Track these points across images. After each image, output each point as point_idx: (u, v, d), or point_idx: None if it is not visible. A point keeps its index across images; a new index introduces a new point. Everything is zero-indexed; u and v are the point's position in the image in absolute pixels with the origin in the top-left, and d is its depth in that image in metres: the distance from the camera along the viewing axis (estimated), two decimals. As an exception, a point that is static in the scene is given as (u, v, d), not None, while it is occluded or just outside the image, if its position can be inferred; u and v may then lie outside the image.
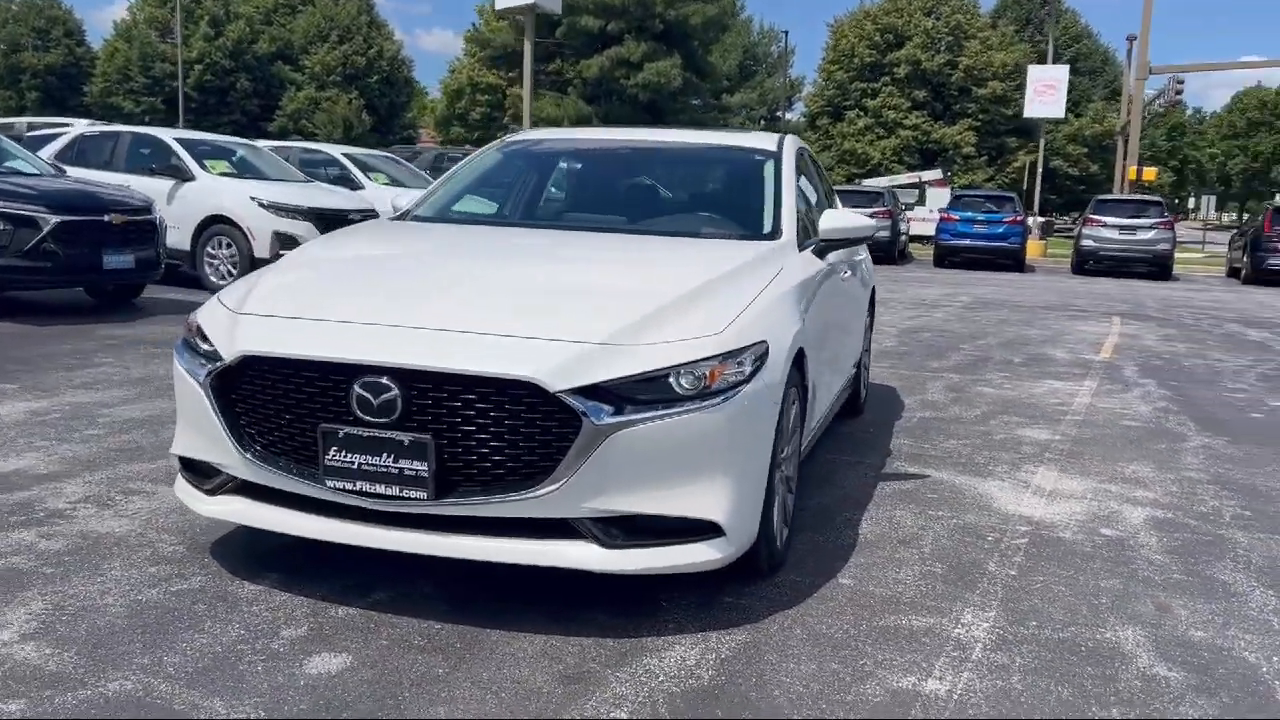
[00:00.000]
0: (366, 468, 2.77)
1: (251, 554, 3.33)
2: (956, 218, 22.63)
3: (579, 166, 4.84)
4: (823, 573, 3.39)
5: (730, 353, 2.87)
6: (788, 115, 61.82)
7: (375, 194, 13.07)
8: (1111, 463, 5.11)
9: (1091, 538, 3.88)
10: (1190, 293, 18.79)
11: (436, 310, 2.93)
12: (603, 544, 2.77)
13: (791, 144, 4.62)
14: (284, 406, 2.88)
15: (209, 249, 11.23)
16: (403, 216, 4.32)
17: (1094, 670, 2.74)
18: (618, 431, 2.68)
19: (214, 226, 11.18)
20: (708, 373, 2.80)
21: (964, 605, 3.16)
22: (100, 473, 4.16)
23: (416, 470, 2.73)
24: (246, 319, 3.03)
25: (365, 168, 14.04)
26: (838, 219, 4.14)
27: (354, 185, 13.46)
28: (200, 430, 3.07)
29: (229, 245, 11.07)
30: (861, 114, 54.88)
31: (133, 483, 4.05)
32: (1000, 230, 22.16)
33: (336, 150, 14.65)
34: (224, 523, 3.55)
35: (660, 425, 2.72)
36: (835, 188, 8.15)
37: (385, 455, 2.75)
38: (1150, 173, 32.03)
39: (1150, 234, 21.79)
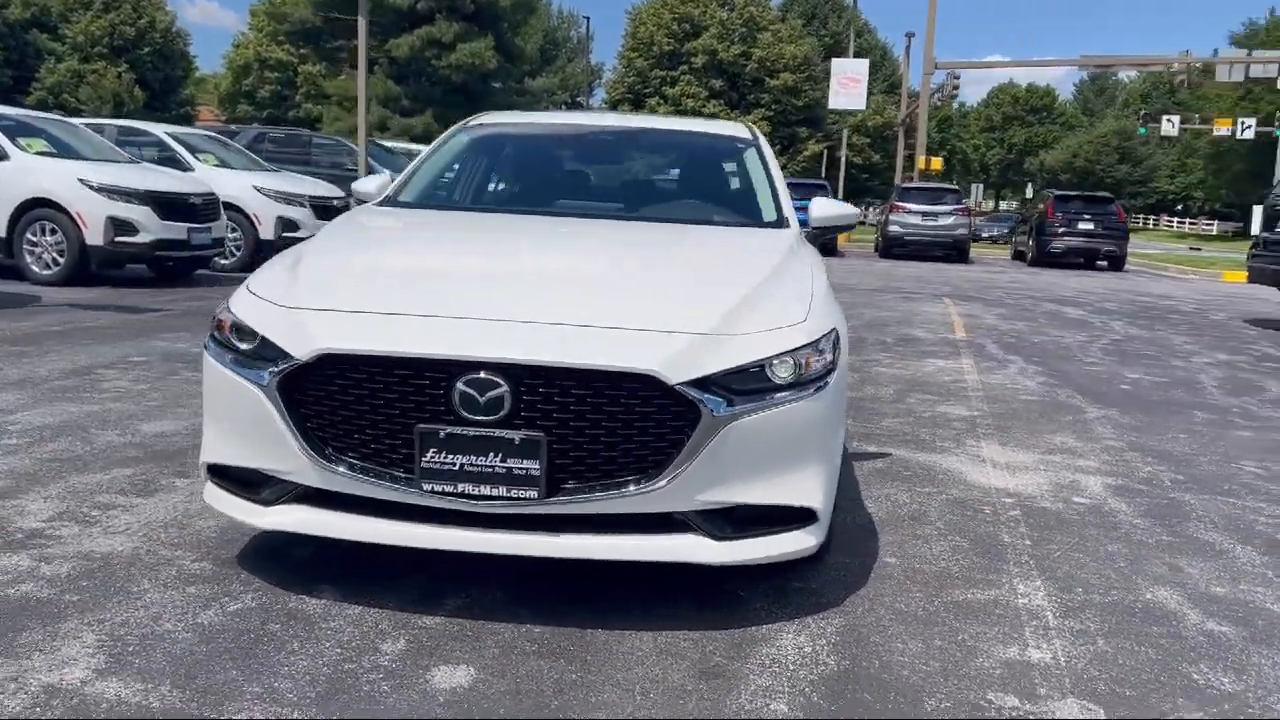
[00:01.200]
0: (470, 469, 2.64)
1: (287, 566, 3.11)
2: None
3: (567, 152, 4.72)
4: (864, 553, 3.48)
5: (816, 341, 2.90)
6: (590, 101, 62.09)
7: (207, 176, 12.31)
8: (1037, 435, 5.48)
9: (1071, 506, 4.16)
10: (991, 274, 20.25)
11: (529, 303, 2.81)
12: (713, 537, 2.75)
13: (760, 134, 4.70)
14: (371, 407, 2.69)
15: (29, 236, 10.27)
16: (390, 203, 4.10)
17: (1160, 630, 2.96)
18: (732, 423, 2.66)
19: (34, 211, 10.27)
20: (803, 361, 2.82)
21: (1009, 577, 3.33)
22: (53, 486, 3.76)
23: (527, 469, 2.62)
24: (315, 314, 2.81)
25: (191, 148, 13.13)
26: (828, 208, 4.24)
27: (182, 166, 12.60)
28: (251, 436, 2.83)
29: (54, 232, 10.17)
30: (662, 102, 55.84)
31: (99, 495, 3.68)
32: (949, 222, 23.32)
33: (160, 129, 13.63)
34: (236, 534, 3.32)
35: (768, 415, 2.72)
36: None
37: (493, 455, 2.62)
38: (937, 162, 34.17)
39: (950, 220, 23.35)
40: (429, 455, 2.64)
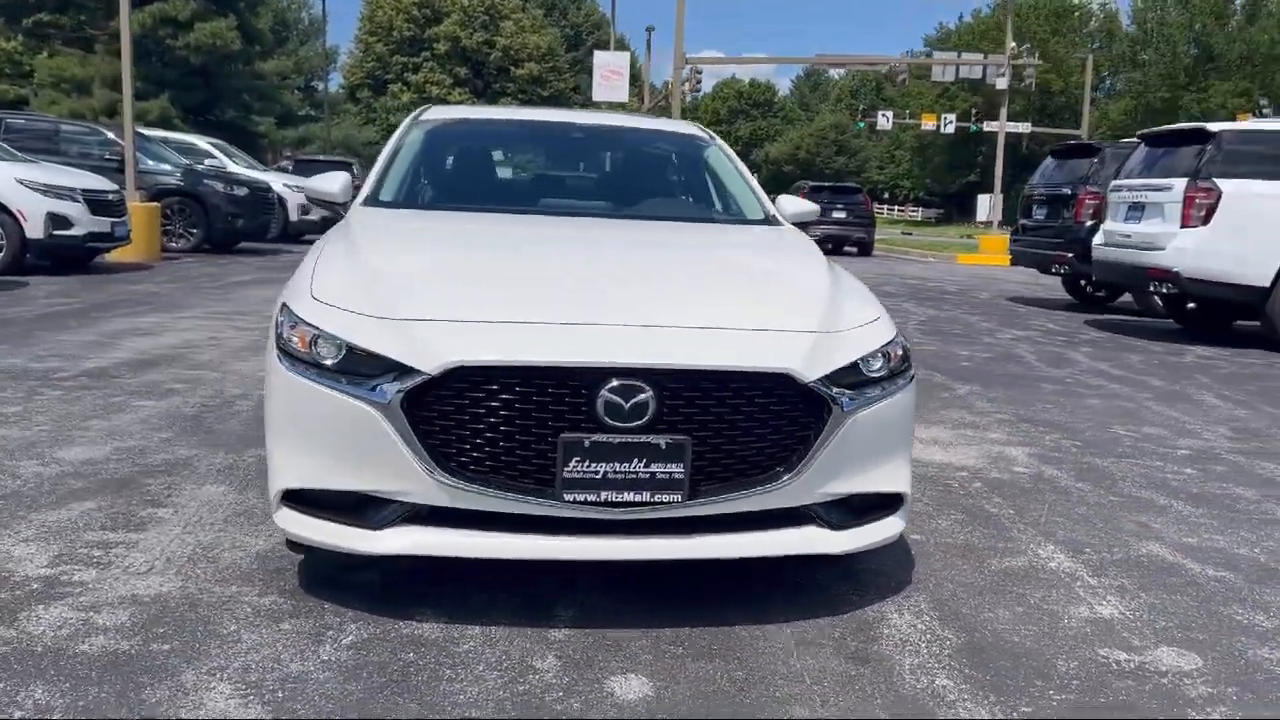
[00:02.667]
0: (613, 476, 2.61)
1: (366, 592, 2.93)
2: None
3: (540, 150, 4.62)
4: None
5: (896, 335, 3.07)
6: (327, 86, 59.43)
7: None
8: (934, 411, 5.92)
9: (1018, 476, 4.57)
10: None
11: (638, 308, 2.80)
12: (832, 527, 2.86)
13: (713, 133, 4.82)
14: (505, 419, 2.59)
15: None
16: (376, 204, 3.88)
17: (1178, 580, 3.34)
18: (853, 416, 2.79)
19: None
20: (892, 353, 2.98)
21: (1024, 542, 3.64)
22: (21, 528, 3.33)
23: (671, 473, 2.63)
24: (434, 325, 2.66)
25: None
26: (796, 204, 4.43)
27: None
28: (355, 456, 2.65)
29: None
30: (405, 88, 54.52)
31: (85, 534, 3.30)
32: None
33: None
34: (276, 563, 3.10)
35: (877, 407, 2.86)
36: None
37: (637, 461, 2.61)
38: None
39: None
40: (572, 465, 2.59)
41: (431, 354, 2.59)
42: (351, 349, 2.68)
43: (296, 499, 2.79)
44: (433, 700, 2.35)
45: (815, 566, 3.24)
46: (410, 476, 2.62)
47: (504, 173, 4.50)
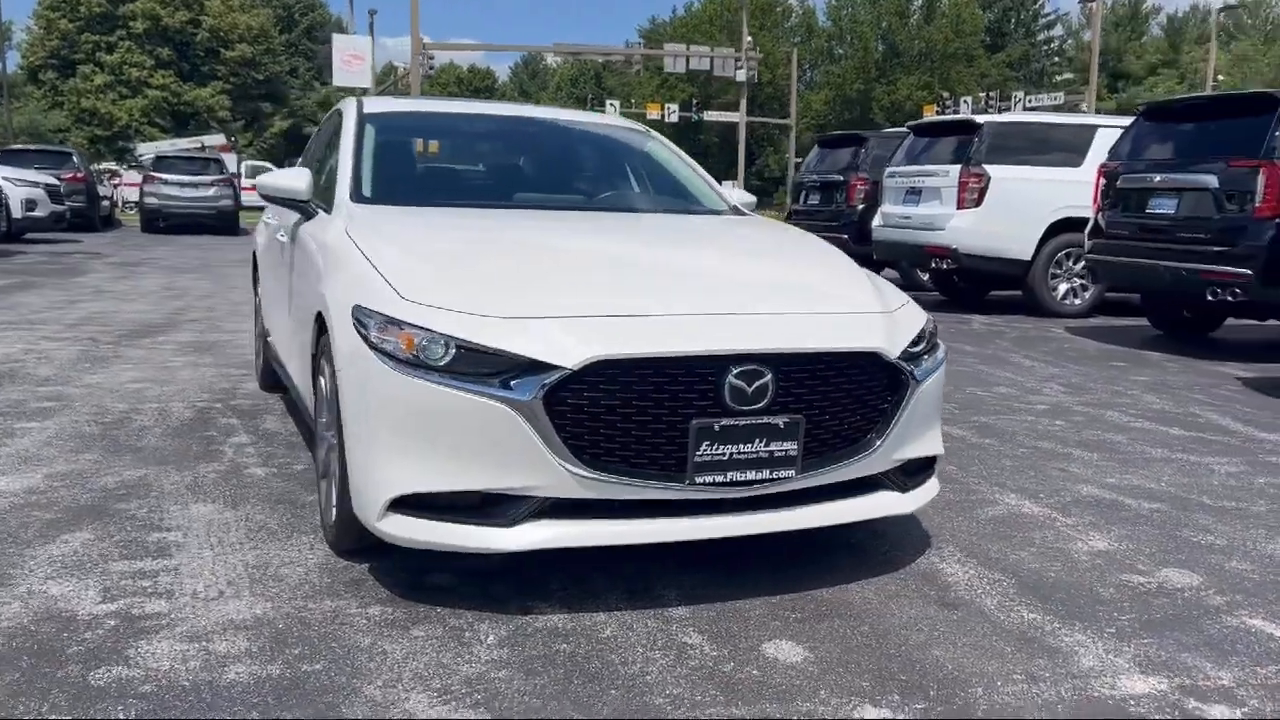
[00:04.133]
0: (738, 457, 2.77)
1: (464, 591, 2.93)
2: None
3: (499, 144, 4.55)
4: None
5: (928, 316, 3.40)
6: (3, 66, 53.37)
7: None
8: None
9: (932, 437, 5.06)
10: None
11: (738, 296, 2.98)
12: (900, 490, 3.15)
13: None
14: (639, 409, 2.68)
15: None
16: (363, 200, 3.74)
17: (1126, 514, 3.88)
18: (920, 387, 3.09)
19: None
20: (929, 331, 3.30)
21: (988, 493, 4.08)
22: (33, 566, 3.03)
23: (786, 450, 2.82)
24: (564, 321, 2.71)
25: None
26: (740, 195, 4.67)
27: None
28: (481, 454, 2.66)
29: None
30: (98, 70, 49.96)
31: (110, 566, 3.06)
32: (212, 193, 22.53)
33: None
34: (342, 573, 3.04)
35: (933, 378, 3.18)
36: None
37: (758, 441, 2.78)
38: (434, 145, 34.69)
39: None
40: (702, 449, 2.72)
41: (569, 350, 2.64)
42: (468, 349, 2.67)
43: (407, 504, 2.75)
44: (627, 683, 2.42)
45: (850, 531, 3.52)
46: (545, 471, 2.66)
47: (477, 167, 4.44)
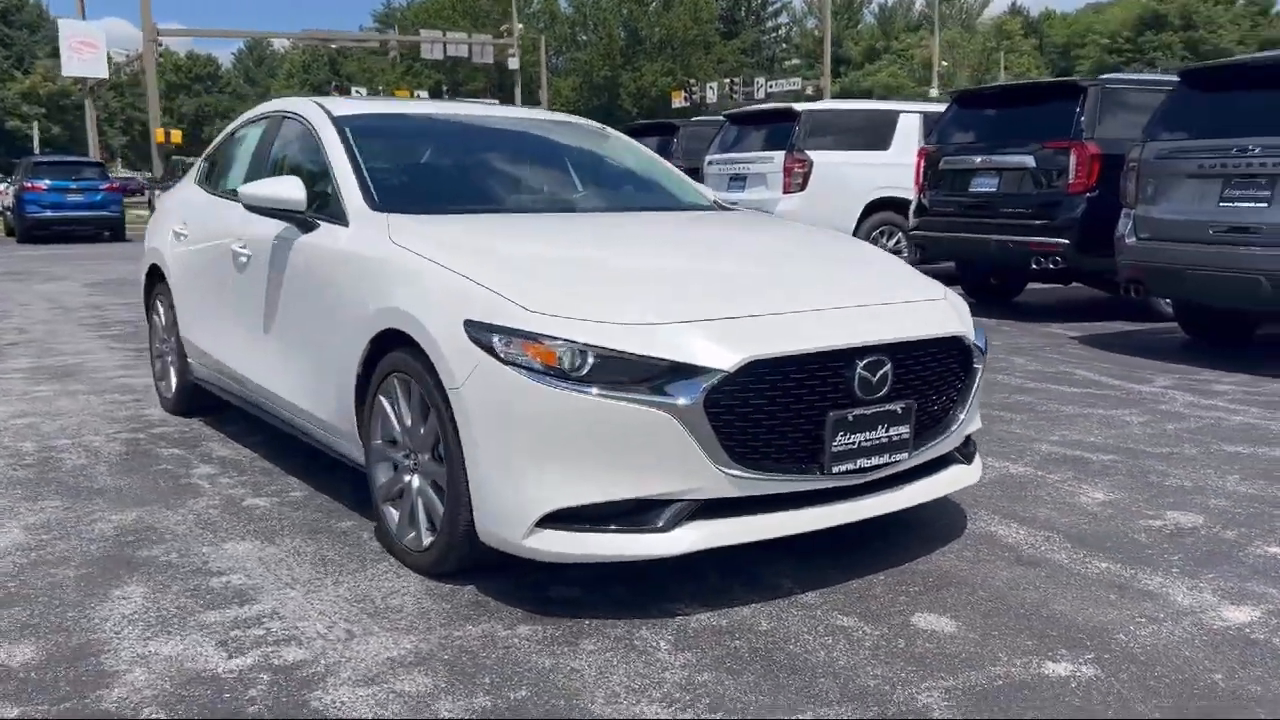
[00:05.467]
0: (866, 444, 2.91)
1: (584, 603, 2.91)
2: (44, 186, 20.35)
3: (489, 147, 4.36)
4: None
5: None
6: None
7: None
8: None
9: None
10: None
11: (835, 293, 3.10)
12: (966, 462, 3.39)
13: None
14: (783, 405, 2.77)
15: None
16: (383, 209, 3.53)
17: (1095, 467, 4.32)
18: (983, 367, 3.33)
19: None
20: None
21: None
22: (117, 626, 2.74)
23: (901, 434, 2.98)
24: (700, 325, 2.76)
25: None
26: (709, 189, 4.78)
27: None
28: (638, 463, 2.67)
29: None
30: None
31: (201, 617, 2.81)
32: (99, 199, 20.73)
33: None
34: (458, 597, 2.98)
35: (984, 359, 3.43)
36: None
37: (881, 427, 2.93)
38: (176, 134, 32.35)
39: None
40: (837, 439, 2.85)
41: (721, 353, 2.68)
42: (610, 357, 2.66)
43: (557, 519, 2.71)
44: (828, 670, 2.52)
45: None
46: (700, 473, 2.70)
47: (479, 171, 4.26)
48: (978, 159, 9.13)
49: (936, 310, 3.22)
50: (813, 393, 2.81)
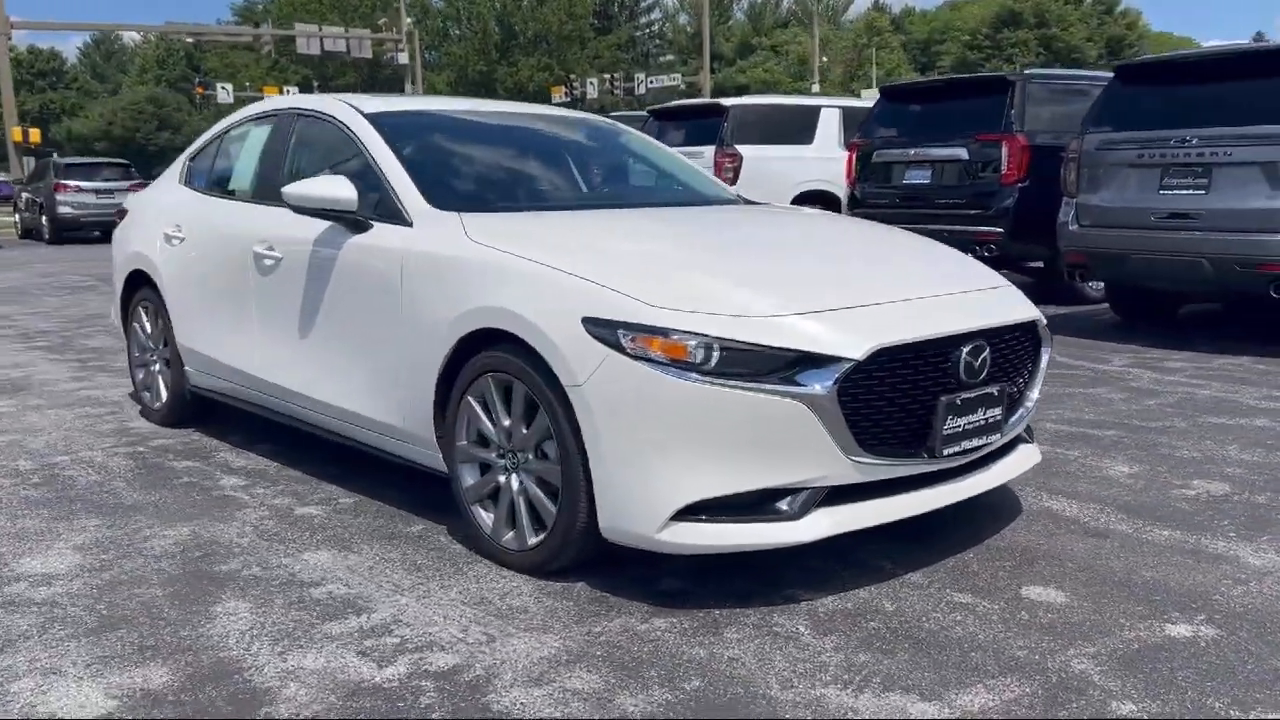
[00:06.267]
0: (968, 427, 3.01)
1: (712, 595, 2.94)
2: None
3: (527, 143, 4.29)
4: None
5: None
6: None
7: None
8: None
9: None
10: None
11: (920, 284, 3.19)
12: (1032, 442, 3.53)
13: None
14: (901, 392, 2.86)
15: None
16: (463, 209, 3.46)
17: (1105, 442, 4.55)
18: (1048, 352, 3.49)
19: None
20: (1012, 300, 3.71)
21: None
22: (296, 653, 2.64)
23: (995, 416, 3.11)
24: (825, 316, 2.82)
25: None
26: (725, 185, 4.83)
27: None
28: (768, 453, 2.72)
29: None
30: None
31: (325, 628, 2.73)
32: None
33: None
34: (532, 592, 2.97)
35: (1042, 342, 3.59)
36: None
37: (980, 410, 3.04)
38: (35, 134, 30.59)
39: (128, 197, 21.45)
40: (948, 422, 2.95)
41: (850, 341, 2.75)
42: (739, 349, 2.70)
43: (691, 511, 2.73)
44: (974, 644, 2.61)
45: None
46: (829, 460, 2.76)
47: (523, 168, 4.18)
48: (911, 151, 9.43)
49: (1011, 296, 3.36)
50: (927, 378, 2.91)
